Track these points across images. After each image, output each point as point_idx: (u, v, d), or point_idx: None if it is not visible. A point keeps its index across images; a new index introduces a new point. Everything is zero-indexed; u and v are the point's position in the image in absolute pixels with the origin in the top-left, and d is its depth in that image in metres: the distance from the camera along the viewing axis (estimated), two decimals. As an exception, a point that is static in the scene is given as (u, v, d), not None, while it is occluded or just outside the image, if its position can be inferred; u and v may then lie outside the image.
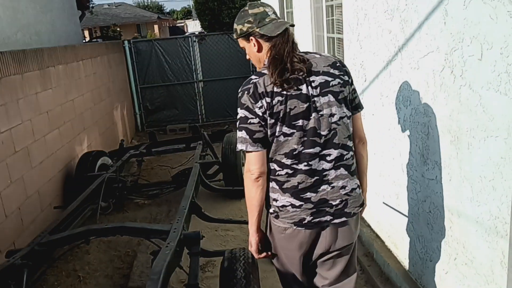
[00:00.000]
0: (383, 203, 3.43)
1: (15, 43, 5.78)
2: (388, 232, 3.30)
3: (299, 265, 2.02)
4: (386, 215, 3.29)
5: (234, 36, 2.02)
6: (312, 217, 1.89)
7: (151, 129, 8.48)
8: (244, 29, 1.92)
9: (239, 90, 1.86)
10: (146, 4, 46.09)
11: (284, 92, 1.80)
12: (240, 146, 1.85)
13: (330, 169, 1.89)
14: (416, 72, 2.53)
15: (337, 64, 1.93)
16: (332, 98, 1.86)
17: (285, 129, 1.82)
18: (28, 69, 4.31)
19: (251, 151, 1.84)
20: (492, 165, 1.92)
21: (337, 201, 1.91)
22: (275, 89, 1.80)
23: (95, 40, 15.64)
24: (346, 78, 1.92)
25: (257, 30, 1.88)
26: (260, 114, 1.80)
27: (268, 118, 1.80)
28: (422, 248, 2.73)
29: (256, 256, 2.04)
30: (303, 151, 1.85)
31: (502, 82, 1.79)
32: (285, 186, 1.88)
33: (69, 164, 5.09)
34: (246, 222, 3.86)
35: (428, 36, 2.35)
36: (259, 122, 1.81)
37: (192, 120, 9.30)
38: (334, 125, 1.87)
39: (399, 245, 3.11)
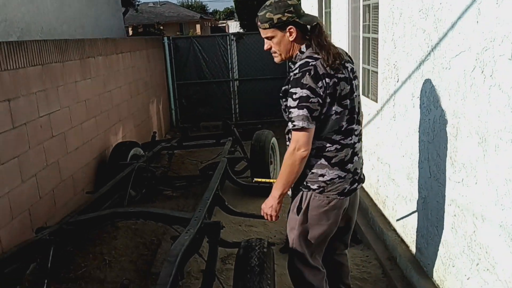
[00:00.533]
0: (396, 220, 3.40)
1: (61, 34, 6.04)
2: (413, 237, 3.23)
3: (331, 234, 2.31)
4: (411, 219, 3.22)
5: (266, 25, 2.09)
6: (350, 186, 2.21)
7: (185, 124, 8.63)
8: (284, 18, 2.05)
9: (297, 72, 2.02)
10: (189, 3, 46.92)
11: (337, 75, 2.06)
12: (301, 124, 2.00)
13: (357, 142, 2.23)
14: (447, 72, 2.48)
15: (347, 54, 2.27)
16: (357, 82, 2.23)
17: (337, 108, 2.08)
18: (69, 58, 4.49)
19: (308, 129, 2.01)
20: (519, 168, 1.86)
21: (359, 170, 2.30)
22: (330, 72, 2.03)
23: (136, 36, 16.04)
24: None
25: (297, 20, 2.07)
26: (321, 93, 2.01)
27: (327, 97, 2.03)
28: (445, 253, 2.66)
29: (274, 217, 2.24)
30: (348, 127, 2.15)
31: (532, 82, 1.73)
32: (333, 160, 2.14)
33: (103, 153, 5.25)
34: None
35: (460, 35, 2.30)
36: (318, 101, 2.01)
37: (226, 118, 9.38)
38: (359, 104, 2.25)
39: (423, 250, 3.04)
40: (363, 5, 4.34)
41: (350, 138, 2.17)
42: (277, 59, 2.21)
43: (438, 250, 2.77)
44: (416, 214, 3.12)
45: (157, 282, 2.01)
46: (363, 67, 4.53)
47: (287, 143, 2.20)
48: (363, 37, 4.46)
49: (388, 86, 3.56)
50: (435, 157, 2.70)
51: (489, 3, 2.01)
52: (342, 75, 2.09)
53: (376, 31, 3.90)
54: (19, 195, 3.47)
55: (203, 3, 49.18)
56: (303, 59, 2.07)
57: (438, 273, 2.80)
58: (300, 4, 2.11)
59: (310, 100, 1.99)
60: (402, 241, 3.45)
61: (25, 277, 2.85)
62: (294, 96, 2.00)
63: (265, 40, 2.16)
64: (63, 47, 4.36)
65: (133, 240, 4.19)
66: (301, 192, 2.23)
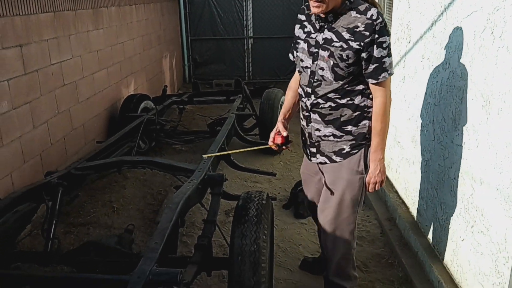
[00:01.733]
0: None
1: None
2: (414, 199, 3.27)
3: None
4: (413, 182, 3.25)
5: None
6: None
7: (198, 81, 8.62)
8: None
9: (381, 19, 1.94)
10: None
11: None
12: (392, 70, 2.04)
13: None
14: (458, 32, 2.43)
15: None
16: None
17: None
18: (82, 6, 4.47)
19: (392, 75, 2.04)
20: (519, 131, 1.86)
21: None
22: None
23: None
24: None
25: None
26: None
27: None
28: (443, 215, 2.70)
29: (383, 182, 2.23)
30: None
31: (540, 44, 1.70)
32: None
33: (114, 104, 5.32)
34: (273, 174, 3.94)
35: (474, -6, 2.24)
36: None
37: (239, 76, 9.34)
38: None
39: (422, 212, 3.08)
40: (381, -38, 4.21)
41: None
42: (318, 9, 1.93)
43: (436, 212, 2.81)
44: (418, 176, 3.14)
45: (157, 226, 2.09)
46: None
47: (329, 104, 2.12)
48: (379, -4, 4.35)
49: (400, 47, 3.50)
50: (440, 120, 2.69)
51: (505, -39, 1.95)
52: None
53: (392, -10, 3.80)
54: (31, 140, 3.56)
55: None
56: (367, 7, 1.95)
57: (434, 234, 2.85)
58: None
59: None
60: (403, 202, 3.49)
61: (37, 219, 2.99)
62: (384, 45, 1.95)
63: None
64: (75, -5, 4.34)
65: (141, 190, 4.31)
66: (363, 148, 2.18)
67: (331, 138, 2.16)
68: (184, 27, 9.10)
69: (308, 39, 2.10)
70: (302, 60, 2.13)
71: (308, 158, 2.36)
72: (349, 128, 2.13)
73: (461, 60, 2.40)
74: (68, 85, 4.18)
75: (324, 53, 2.02)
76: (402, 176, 3.52)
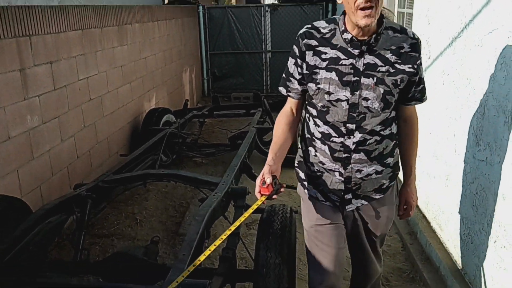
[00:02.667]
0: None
1: (100, 0, 6.17)
2: (435, 213, 3.28)
3: None
4: (434, 196, 3.26)
5: None
6: None
7: (215, 94, 8.75)
8: None
9: (418, 38, 1.77)
10: (225, -27, 46.40)
11: None
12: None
13: None
14: (479, 49, 2.47)
15: None
16: None
17: None
18: (108, 24, 4.63)
19: None
20: (542, 148, 1.88)
21: None
22: None
23: (171, 3, 16.09)
24: None
25: None
26: None
27: None
28: (465, 229, 2.71)
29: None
30: None
31: (562, 62, 1.73)
32: None
33: (137, 118, 5.44)
34: (294, 187, 3.98)
35: (494, 13, 2.28)
36: None
37: (257, 90, 9.44)
38: None
39: (443, 227, 3.09)
40: (400, -21, 4.28)
41: None
42: (371, 20, 1.58)
43: (458, 227, 2.81)
44: (438, 191, 3.15)
45: (184, 239, 2.15)
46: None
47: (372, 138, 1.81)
48: (397, 11, 4.40)
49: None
50: (461, 135, 2.72)
51: (526, -19, 1.99)
52: None
53: (411, 6, 3.85)
54: (59, 153, 3.68)
55: (240, -28, 48.54)
56: (401, 26, 1.78)
57: (456, 249, 2.85)
58: None
59: None
60: (424, 217, 3.50)
61: (63, 230, 3.08)
62: (422, 64, 1.81)
63: None
64: (102, 13, 4.50)
65: (163, 202, 4.40)
66: (395, 178, 1.99)
67: (374, 175, 1.87)
68: (204, 41, 9.27)
69: (337, 66, 1.72)
70: (330, 93, 1.75)
71: (337, 209, 1.95)
72: (389, 160, 1.89)
73: (482, 77, 2.43)
74: (94, 99, 4.32)
75: (368, 81, 1.71)
76: (423, 190, 3.53)
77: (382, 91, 1.71)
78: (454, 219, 2.88)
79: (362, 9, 1.55)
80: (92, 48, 4.28)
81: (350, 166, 1.82)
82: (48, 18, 3.50)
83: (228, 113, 6.10)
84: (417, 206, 3.66)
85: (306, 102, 1.91)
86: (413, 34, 1.74)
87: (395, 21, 4.44)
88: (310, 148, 1.91)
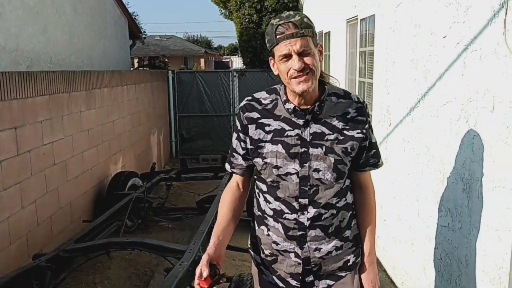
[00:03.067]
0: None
1: (68, 65, 6.23)
2: (403, 278, 3.28)
3: None
4: (401, 261, 3.29)
5: (309, 32, 1.51)
6: None
7: (184, 156, 8.74)
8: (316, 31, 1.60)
9: (363, 101, 1.70)
10: (195, 38, 47.93)
11: None
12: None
13: None
14: (435, 120, 2.61)
15: None
16: None
17: None
18: (76, 89, 4.65)
19: None
20: (499, 215, 1.96)
21: None
22: None
23: (140, 68, 16.39)
24: None
25: None
26: None
27: None
28: (432, 295, 2.72)
29: None
30: None
31: (510, 135, 1.85)
32: None
33: (102, 181, 5.34)
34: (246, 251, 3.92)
35: (447, 86, 2.44)
36: None
37: (225, 151, 9.48)
38: None
39: (411, 292, 3.09)
40: (359, 51, 4.54)
41: None
42: (308, 84, 1.52)
43: (425, 292, 2.82)
44: (405, 255, 3.18)
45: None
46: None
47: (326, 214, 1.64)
48: (359, 81, 4.64)
49: (381, 130, 3.69)
50: (423, 201, 2.80)
51: (473, 58, 2.16)
52: None
53: (371, 77, 4.08)
54: (18, 221, 3.54)
55: (208, 38, 50.34)
56: (344, 90, 1.71)
57: (425, 316, 2.84)
58: None
59: None
60: (392, 282, 3.50)
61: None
62: (372, 128, 1.72)
63: (297, 57, 1.50)
64: (70, 78, 4.52)
65: (126, 270, 4.22)
66: (355, 268, 1.76)
67: (334, 252, 1.69)
68: (173, 104, 9.40)
69: (283, 138, 1.61)
70: (278, 167, 1.61)
71: None
72: (347, 233, 1.72)
73: (439, 145, 2.55)
74: (58, 164, 4.23)
75: (317, 151, 1.60)
76: (390, 255, 3.55)
77: (333, 160, 1.60)
78: (420, 285, 2.89)
79: (296, 77, 1.51)
80: (59, 112, 4.26)
81: (306, 245, 1.65)
82: (15, 84, 3.49)
83: (196, 176, 6.08)
84: (385, 271, 3.66)
85: (255, 177, 1.76)
86: (357, 97, 1.68)
87: (356, 90, 4.66)
88: (262, 227, 1.73)
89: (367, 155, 1.70)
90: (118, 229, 4.13)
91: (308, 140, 1.60)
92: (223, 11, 14.70)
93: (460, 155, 2.30)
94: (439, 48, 2.54)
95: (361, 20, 4.39)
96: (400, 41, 3.20)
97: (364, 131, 1.65)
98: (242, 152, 1.71)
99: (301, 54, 1.49)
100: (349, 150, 1.63)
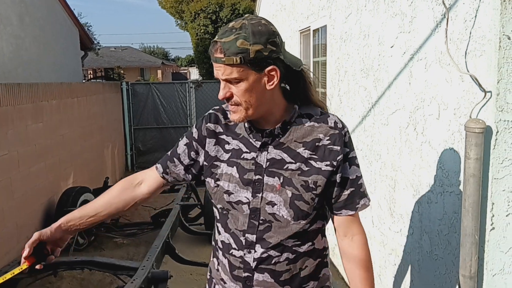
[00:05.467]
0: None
1: (15, 77, 5.97)
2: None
3: None
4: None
5: (236, 59, 1.21)
6: None
7: (139, 170, 8.53)
8: (266, 53, 1.23)
9: (347, 129, 1.38)
10: (152, 49, 47.44)
11: None
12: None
13: None
14: (385, 128, 2.66)
15: None
16: None
17: None
18: (21, 102, 4.44)
19: None
20: (447, 220, 2.00)
21: None
22: None
23: (94, 80, 16.00)
24: None
25: (282, 58, 1.28)
26: None
27: None
28: (388, 302, 2.74)
29: None
30: None
31: (455, 141, 1.90)
32: None
33: (52, 198, 5.10)
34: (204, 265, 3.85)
35: (396, 95, 2.49)
36: None
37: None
38: None
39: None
40: (313, 62, 4.60)
41: None
42: (236, 116, 1.30)
43: (381, 299, 2.84)
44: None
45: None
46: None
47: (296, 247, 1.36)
48: (313, 90, 4.68)
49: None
50: (377, 208, 2.83)
51: (419, 67, 2.22)
52: None
53: (325, 86, 4.13)
54: (-43, 243, 3.31)
55: (165, 50, 49.97)
56: (323, 112, 1.38)
57: (382, 322, 2.86)
58: None
59: None
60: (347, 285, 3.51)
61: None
62: (356, 161, 1.39)
63: (224, 83, 1.29)
64: (15, 91, 4.32)
65: (78, 290, 4.03)
66: None
67: None
68: (127, 117, 9.19)
69: (239, 161, 1.37)
70: (229, 193, 1.36)
71: None
72: (311, 285, 1.40)
73: (390, 152, 2.59)
74: (1, 181, 4.00)
75: (273, 181, 1.32)
76: (347, 263, 3.57)
77: (289, 194, 1.31)
78: (377, 291, 2.91)
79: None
80: (3, 127, 4.04)
81: None
82: (-48, 97, 3.29)
83: (151, 189, 5.93)
84: (342, 278, 3.68)
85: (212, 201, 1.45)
86: (336, 122, 1.35)
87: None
88: (214, 259, 1.48)
89: (340, 194, 1.35)
90: (68, 247, 3.94)
91: (264, 166, 1.34)
92: (179, 22, 14.63)
93: (410, 162, 2.34)
94: (387, 57, 2.60)
95: (313, 30, 4.45)
96: (351, 51, 3.26)
97: (335, 163, 1.31)
98: (187, 162, 1.48)
99: (229, 81, 1.26)
100: (311, 185, 1.31)
